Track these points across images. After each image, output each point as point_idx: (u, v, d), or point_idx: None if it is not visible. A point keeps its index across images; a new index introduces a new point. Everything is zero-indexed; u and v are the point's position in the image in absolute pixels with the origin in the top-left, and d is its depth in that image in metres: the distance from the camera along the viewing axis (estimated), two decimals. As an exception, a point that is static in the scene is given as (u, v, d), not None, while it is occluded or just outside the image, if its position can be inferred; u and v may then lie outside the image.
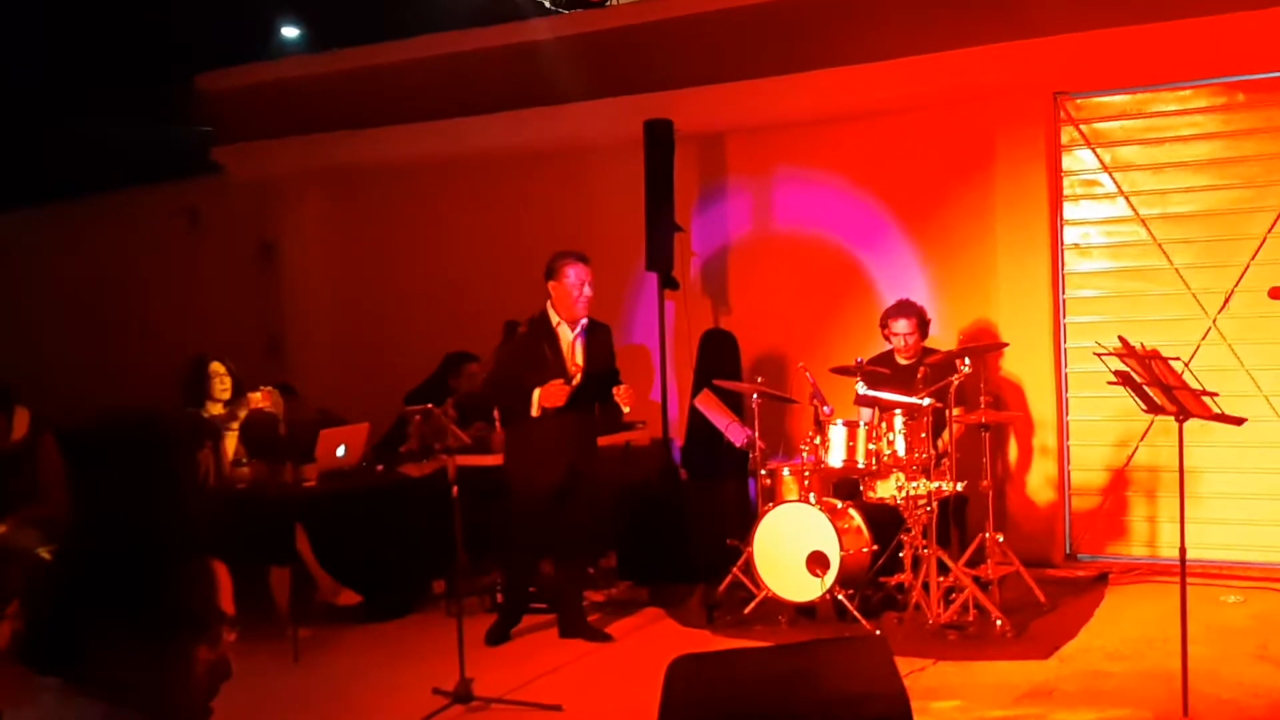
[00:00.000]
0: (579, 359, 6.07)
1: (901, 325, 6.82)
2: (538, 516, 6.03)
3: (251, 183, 9.65)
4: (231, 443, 6.82)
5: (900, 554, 6.21)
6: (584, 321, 6.12)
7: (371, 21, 9.07)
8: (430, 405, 5.68)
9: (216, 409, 6.86)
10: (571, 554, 6.22)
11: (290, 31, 10.14)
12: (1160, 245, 7.26)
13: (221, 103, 9.66)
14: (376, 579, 6.80)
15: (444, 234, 9.17)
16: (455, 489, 5.32)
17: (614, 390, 5.96)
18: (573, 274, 6.03)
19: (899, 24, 7.48)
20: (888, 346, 6.99)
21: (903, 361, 6.82)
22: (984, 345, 7.02)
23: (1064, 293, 7.49)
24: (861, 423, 6.32)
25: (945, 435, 6.36)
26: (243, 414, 6.85)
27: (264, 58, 9.89)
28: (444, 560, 6.38)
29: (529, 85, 8.49)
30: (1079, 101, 7.45)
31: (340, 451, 6.66)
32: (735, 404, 7.38)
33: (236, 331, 9.26)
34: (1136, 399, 4.52)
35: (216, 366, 6.90)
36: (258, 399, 6.83)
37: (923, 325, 6.88)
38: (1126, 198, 7.35)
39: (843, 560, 6.00)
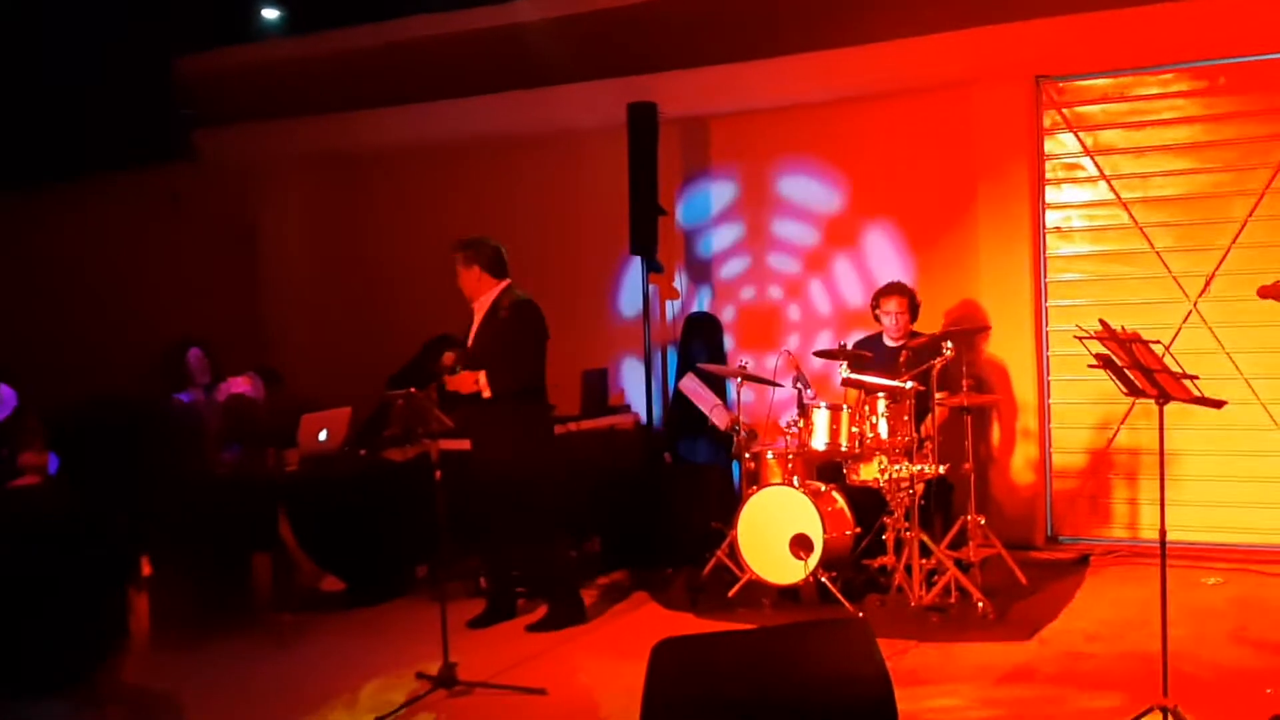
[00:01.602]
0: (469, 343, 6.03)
1: (892, 304, 6.83)
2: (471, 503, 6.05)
3: (233, 166, 9.59)
4: (213, 428, 6.80)
5: (883, 537, 6.23)
6: (488, 303, 6.01)
7: (353, 3, 8.99)
8: (413, 389, 5.66)
9: (197, 394, 6.83)
10: (515, 540, 6.12)
11: (271, 13, 10.03)
12: (1141, 228, 7.28)
13: (202, 86, 9.59)
14: (360, 564, 6.80)
15: (426, 217, 9.12)
16: (438, 473, 5.31)
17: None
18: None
19: (882, 8, 7.48)
20: (874, 329, 7.01)
21: (890, 344, 6.84)
22: (966, 328, 7.04)
23: (1046, 276, 7.51)
24: (845, 406, 6.33)
25: (928, 419, 6.38)
26: (224, 399, 6.82)
27: (245, 40, 9.79)
28: (428, 545, 6.37)
29: (512, 68, 8.45)
30: (1061, 85, 7.46)
31: (322, 436, 6.64)
32: (719, 387, 7.39)
33: (218, 316, 9.21)
34: (1117, 382, 4.53)
35: (198, 352, 6.87)
36: (239, 384, 6.81)
37: (913, 306, 6.89)
38: (1108, 181, 7.37)
39: (826, 543, 6.02)
